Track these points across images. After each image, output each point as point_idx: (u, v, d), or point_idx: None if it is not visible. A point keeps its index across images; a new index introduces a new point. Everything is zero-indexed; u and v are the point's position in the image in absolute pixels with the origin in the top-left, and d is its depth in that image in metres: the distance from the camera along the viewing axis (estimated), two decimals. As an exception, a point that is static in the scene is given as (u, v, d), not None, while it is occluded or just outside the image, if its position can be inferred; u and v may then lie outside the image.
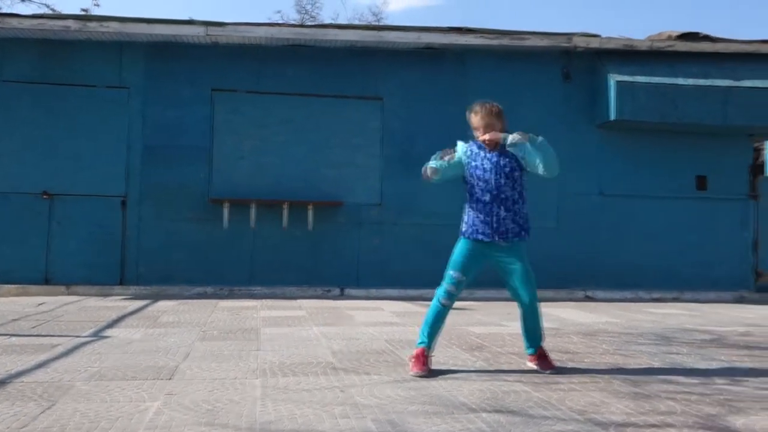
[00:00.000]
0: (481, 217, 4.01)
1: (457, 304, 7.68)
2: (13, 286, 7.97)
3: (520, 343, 4.94)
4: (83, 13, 15.37)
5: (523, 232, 4.03)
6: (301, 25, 10.48)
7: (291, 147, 9.01)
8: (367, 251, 9.02)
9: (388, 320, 6.28)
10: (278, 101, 9.05)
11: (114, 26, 8.34)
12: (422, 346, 3.93)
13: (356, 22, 24.12)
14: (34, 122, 8.54)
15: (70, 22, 8.32)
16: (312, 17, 25.11)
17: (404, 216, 9.13)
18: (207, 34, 8.58)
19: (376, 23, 23.13)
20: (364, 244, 9.02)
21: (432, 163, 4.12)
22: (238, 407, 3.05)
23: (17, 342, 4.70)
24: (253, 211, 8.66)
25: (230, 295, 8.25)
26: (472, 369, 4.03)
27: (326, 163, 9.03)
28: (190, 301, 7.65)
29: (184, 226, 8.69)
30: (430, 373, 3.80)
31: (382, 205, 9.10)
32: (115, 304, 7.22)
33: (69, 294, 8.02)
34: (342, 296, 8.47)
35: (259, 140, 8.96)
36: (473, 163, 4.11)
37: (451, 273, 4.08)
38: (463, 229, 4.11)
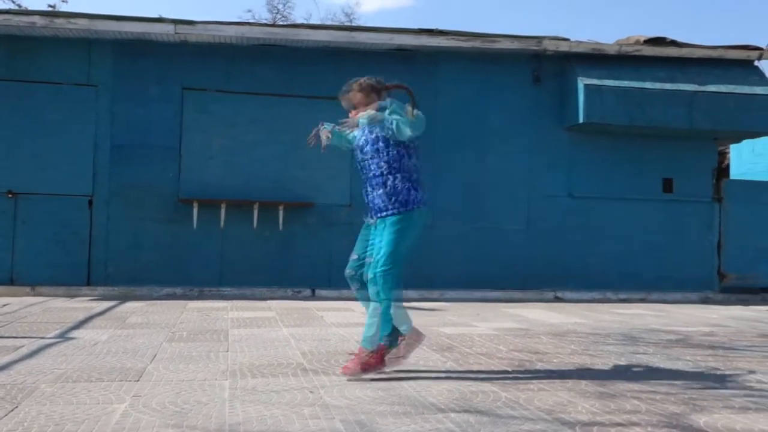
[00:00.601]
0: (364, 197, 4.01)
1: (428, 305, 7.79)
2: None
3: (490, 344, 4.99)
4: (50, 9, 15.11)
5: (390, 209, 3.81)
6: (273, 25, 10.43)
7: (261, 147, 8.96)
8: (339, 252, 8.96)
9: (359, 321, 6.27)
10: (249, 101, 9.00)
11: (82, 23, 8.21)
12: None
13: (329, 23, 24.07)
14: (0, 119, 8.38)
15: (36, 18, 8.18)
16: (284, 17, 25.03)
17: (375, 217, 9.12)
18: (176, 33, 8.50)
19: (349, 24, 23.10)
20: (335, 245, 8.99)
21: (327, 125, 4.08)
22: (206, 409, 3.03)
23: (-21, 344, 4.60)
24: (222, 212, 8.60)
25: (200, 296, 8.17)
26: (441, 369, 4.05)
27: (297, 164, 9.00)
28: (159, 302, 7.56)
29: (152, 226, 8.59)
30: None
31: (351, 206, 9.09)
32: (82, 305, 7.11)
33: (34, 295, 7.87)
34: (313, 297, 8.45)
35: (229, 140, 8.90)
36: (357, 143, 4.08)
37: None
38: None
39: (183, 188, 8.72)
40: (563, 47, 9.36)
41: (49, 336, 4.99)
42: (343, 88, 4.11)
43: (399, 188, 3.84)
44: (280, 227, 8.77)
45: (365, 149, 3.97)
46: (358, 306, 7.50)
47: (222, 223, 8.61)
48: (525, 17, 47.76)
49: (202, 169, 8.81)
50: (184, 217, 8.58)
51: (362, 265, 3.98)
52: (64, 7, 18.04)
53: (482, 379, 3.75)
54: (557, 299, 8.91)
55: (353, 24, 23.25)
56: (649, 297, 9.18)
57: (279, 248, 8.90)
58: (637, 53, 9.49)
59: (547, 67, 9.64)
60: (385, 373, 3.80)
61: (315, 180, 9.03)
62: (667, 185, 9.86)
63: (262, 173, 8.90)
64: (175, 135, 8.76)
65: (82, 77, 8.65)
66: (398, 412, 3.03)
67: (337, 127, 4.08)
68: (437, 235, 9.19)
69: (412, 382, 3.63)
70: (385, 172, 3.88)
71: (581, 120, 9.14)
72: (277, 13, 25.31)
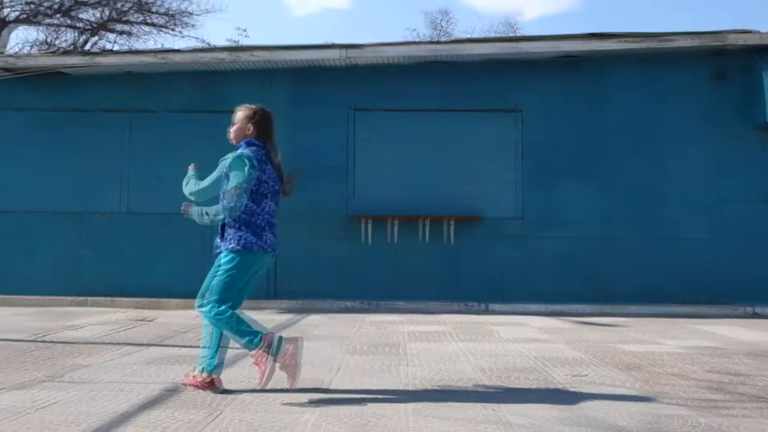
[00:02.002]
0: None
1: (607, 320, 7.44)
2: (178, 300, 8.61)
3: (680, 363, 4.67)
4: (234, 44, 16.42)
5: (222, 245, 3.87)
6: (437, 42, 10.59)
7: (429, 162, 9.10)
8: (509, 265, 8.89)
9: (534, 336, 6.14)
10: (415, 117, 9.19)
11: (262, 55, 8.84)
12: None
13: (491, 35, 23.99)
14: (195, 148, 9.22)
15: (223, 54, 8.93)
16: (446, 32, 25.31)
17: (545, 229, 8.92)
18: (346, 57, 8.88)
19: (512, 35, 22.87)
20: (505, 258, 8.89)
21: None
22: (390, 422, 3.10)
23: (186, 353, 5.07)
24: (393, 227, 8.83)
25: (374, 310, 8.42)
26: (628, 390, 3.84)
27: (465, 178, 9.02)
28: (337, 315, 7.90)
29: (328, 243, 9.00)
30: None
31: (523, 218, 8.95)
32: (269, 317, 7.60)
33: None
34: (485, 311, 8.39)
35: (397, 157, 9.13)
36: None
37: None
38: None
39: (355, 205, 9.06)
40: (752, 40, 8.58)
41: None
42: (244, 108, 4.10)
43: (232, 231, 3.89)
44: (450, 241, 8.83)
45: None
46: (532, 321, 7.37)
47: (393, 238, 8.83)
48: (692, 13, 44.48)
49: (372, 187, 9.11)
50: (358, 233, 8.91)
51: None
52: (244, 41, 19.60)
53: (676, 403, 3.50)
54: (756, 315, 8.12)
55: (516, 34, 22.97)
56: None
57: (449, 262, 8.95)
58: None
59: (730, 63, 8.90)
60: (566, 391, 3.68)
61: (484, 193, 8.99)
62: None
63: (430, 188, 9.03)
64: (347, 155, 9.14)
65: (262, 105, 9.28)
66: (586, 434, 2.92)
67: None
68: (613, 246, 8.78)
69: (596, 402, 3.48)
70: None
71: (772, 118, 8.32)
72: (439, 29, 25.67)
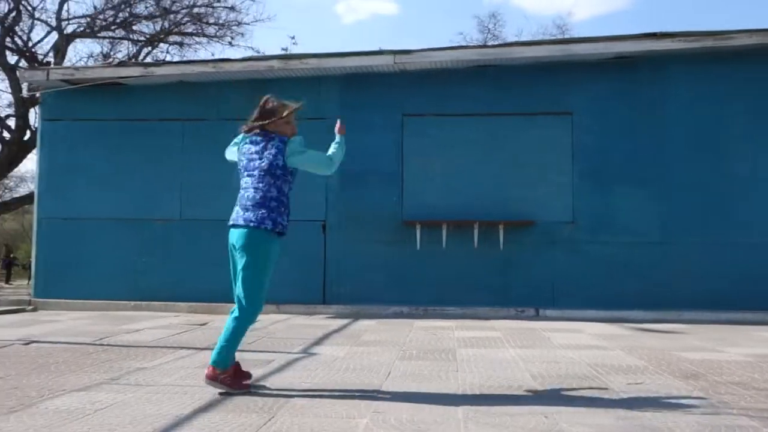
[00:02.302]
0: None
1: (664, 326, 7.25)
2: (231, 304, 8.74)
3: (743, 372, 4.51)
4: (285, 53, 16.66)
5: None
6: (486, 46, 10.51)
7: (480, 167, 9.03)
8: (562, 271, 8.75)
9: (589, 343, 6.02)
10: (465, 122, 9.14)
11: (312, 62, 8.94)
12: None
13: (541, 38, 23.72)
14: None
15: (274, 62, 9.06)
16: (494, 36, 25.13)
17: (599, 234, 8.75)
18: (395, 62, 8.91)
19: (563, 37, 22.56)
20: (558, 264, 8.76)
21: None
22: (442, 428, 3.08)
23: (239, 357, 5.14)
24: (444, 232, 8.79)
25: (425, 315, 8.40)
26: (687, 399, 3.72)
27: (516, 182, 8.93)
28: (387, 320, 7.91)
29: (379, 248, 9.02)
30: None
31: (575, 222, 8.80)
32: (320, 322, 7.66)
33: (279, 312, 8.65)
34: (537, 317, 8.28)
35: (447, 162, 9.09)
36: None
37: None
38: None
39: (406, 211, 9.06)
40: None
41: (294, 351, 5.44)
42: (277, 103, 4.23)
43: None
44: (501, 246, 8.74)
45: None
46: (586, 327, 7.23)
47: (444, 243, 8.80)
48: (751, 8, 43.05)
49: (423, 192, 9.09)
50: (408, 239, 8.91)
51: None
52: (294, 49, 19.86)
53: (738, 413, 3.38)
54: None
55: (567, 36, 22.65)
56: None
57: (500, 267, 8.86)
58: None
59: (794, 59, 8.59)
60: (623, 399, 3.59)
61: (535, 198, 8.88)
62: None
63: (481, 193, 8.96)
64: (397, 160, 9.16)
65: (312, 112, 9.34)
66: (644, 443, 2.84)
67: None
68: (671, 251, 8.56)
69: (655, 411, 3.39)
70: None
71: None
72: (487, 32, 25.51)
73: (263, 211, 3.92)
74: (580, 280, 8.67)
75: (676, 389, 3.98)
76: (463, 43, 22.07)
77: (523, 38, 26.38)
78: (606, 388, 3.96)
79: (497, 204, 8.92)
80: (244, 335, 3.99)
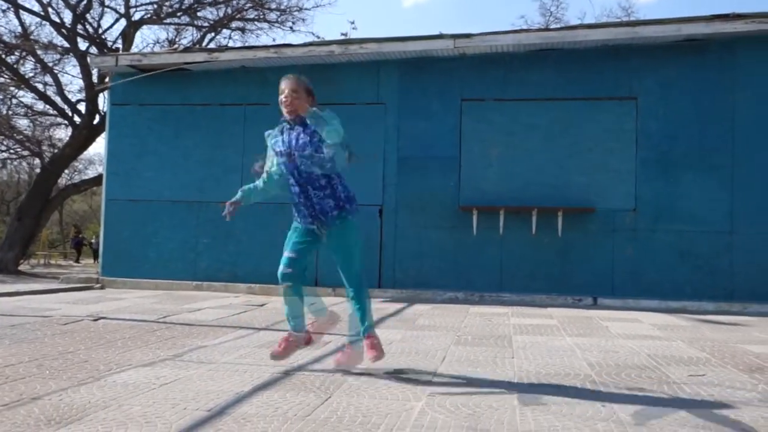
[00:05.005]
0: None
1: (728, 318, 7.03)
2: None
3: (812, 368, 4.34)
4: (344, 38, 16.72)
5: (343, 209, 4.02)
6: (549, 29, 10.32)
7: (539, 153, 8.91)
8: (621, 259, 8.57)
9: (648, 333, 5.89)
10: (525, 107, 9.01)
11: (372, 47, 8.96)
12: (288, 331, 4.09)
13: (605, 20, 23.06)
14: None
15: (334, 47, 9.12)
16: (557, 19, 24.56)
17: (661, 222, 8.53)
18: (455, 47, 8.84)
19: (629, 19, 21.87)
20: (617, 252, 8.58)
21: (238, 194, 4.15)
22: (497, 414, 3.08)
23: (295, 334, 5.24)
24: (501, 218, 8.72)
25: (480, 301, 8.37)
26: (752, 393, 3.61)
27: (576, 168, 8.78)
28: (442, 305, 7.91)
29: (435, 233, 9.03)
30: (284, 356, 3.99)
31: (636, 210, 8.60)
32: (375, 306, 7.69)
33: (335, 295, 8.74)
34: (595, 306, 8.15)
35: (506, 147, 9.00)
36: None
37: (285, 253, 3.97)
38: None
39: (463, 196, 9.02)
40: None
41: (350, 333, 5.50)
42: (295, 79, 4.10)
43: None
44: (559, 233, 8.62)
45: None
46: (645, 317, 7.08)
47: (501, 229, 8.73)
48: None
49: (481, 177, 9.03)
50: (465, 224, 8.88)
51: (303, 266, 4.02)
52: (353, 34, 19.91)
53: (806, 408, 3.26)
54: None
55: (634, 19, 21.97)
56: None
57: (557, 255, 8.75)
58: None
59: None
60: (683, 391, 3.51)
61: (596, 184, 8.71)
62: None
63: (539, 179, 8.84)
64: (455, 145, 9.11)
65: (372, 96, 9.43)
66: (704, 436, 2.78)
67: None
68: (736, 241, 8.28)
69: (716, 404, 3.30)
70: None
71: None
72: (549, 15, 24.96)
73: None
74: (640, 269, 8.49)
75: (740, 382, 3.86)
76: (525, 27, 21.67)
77: (587, 21, 25.67)
78: (666, 380, 3.88)
79: (556, 190, 8.79)
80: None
